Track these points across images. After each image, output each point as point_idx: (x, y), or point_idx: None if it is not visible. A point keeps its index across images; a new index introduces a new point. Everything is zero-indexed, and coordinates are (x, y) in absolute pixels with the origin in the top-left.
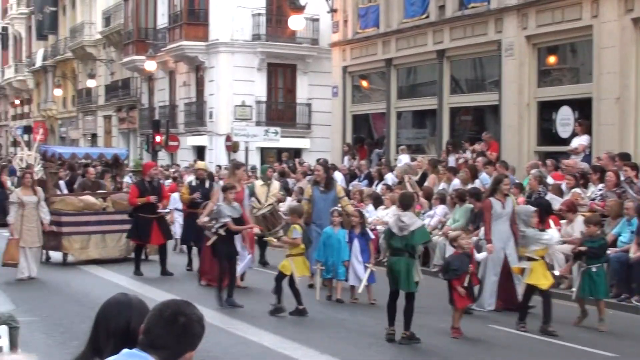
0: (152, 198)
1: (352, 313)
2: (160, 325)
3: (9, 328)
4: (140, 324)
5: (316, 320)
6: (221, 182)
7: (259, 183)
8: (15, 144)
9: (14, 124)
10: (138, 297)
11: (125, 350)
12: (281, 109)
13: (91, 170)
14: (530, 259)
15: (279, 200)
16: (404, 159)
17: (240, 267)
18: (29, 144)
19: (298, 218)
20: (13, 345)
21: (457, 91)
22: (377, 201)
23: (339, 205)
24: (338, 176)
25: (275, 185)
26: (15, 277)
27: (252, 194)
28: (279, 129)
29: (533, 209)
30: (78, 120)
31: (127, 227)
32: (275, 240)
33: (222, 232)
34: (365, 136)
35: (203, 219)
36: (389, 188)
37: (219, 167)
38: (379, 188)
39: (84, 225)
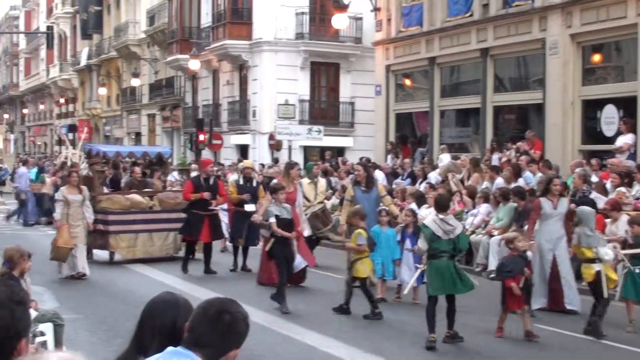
0: (206, 194)
1: (395, 312)
2: (205, 323)
3: (54, 325)
4: (184, 322)
5: (360, 319)
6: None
7: (305, 181)
8: (60, 142)
9: (59, 123)
10: (183, 297)
11: (169, 348)
12: (324, 107)
13: (137, 169)
14: (593, 260)
15: (326, 198)
16: (445, 158)
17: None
18: (73, 143)
19: (360, 221)
20: (58, 343)
21: (501, 90)
22: (421, 200)
23: (381, 204)
24: (379, 175)
25: (322, 183)
26: (58, 275)
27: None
28: (322, 128)
29: (593, 210)
30: (122, 118)
31: (174, 225)
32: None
33: (270, 234)
34: (408, 135)
35: (258, 217)
36: (432, 187)
37: (262, 165)
38: (422, 187)
39: (131, 224)
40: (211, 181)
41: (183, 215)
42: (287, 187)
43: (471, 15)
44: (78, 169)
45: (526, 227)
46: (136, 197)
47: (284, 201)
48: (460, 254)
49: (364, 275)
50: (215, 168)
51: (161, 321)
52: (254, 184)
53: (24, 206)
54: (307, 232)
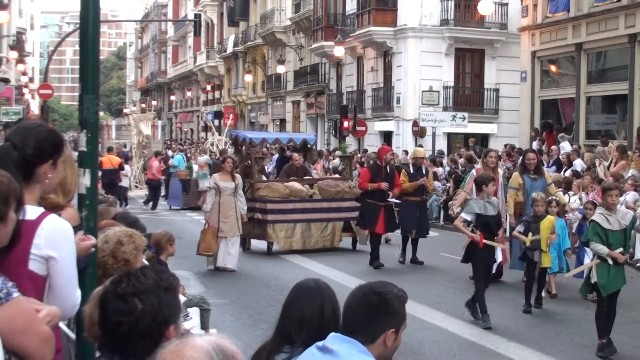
0: (384, 185)
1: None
2: (353, 308)
3: (200, 310)
4: (331, 309)
5: (503, 308)
6: (473, 172)
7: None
8: (206, 128)
9: (205, 109)
10: (325, 283)
11: (332, 335)
12: (468, 94)
13: (296, 155)
14: None
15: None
16: (566, 146)
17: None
18: (219, 129)
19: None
20: (205, 327)
21: None
22: (567, 188)
23: (549, 193)
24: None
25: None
26: (208, 267)
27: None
28: (466, 114)
29: None
30: (267, 105)
31: (334, 215)
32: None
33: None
34: (553, 122)
35: (456, 209)
36: (576, 174)
37: (406, 152)
38: (567, 174)
39: (289, 213)
40: (388, 170)
41: (344, 204)
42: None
43: (619, 0)
44: (231, 155)
45: None
46: (296, 185)
47: (492, 194)
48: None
49: (547, 265)
50: (358, 155)
51: (309, 310)
52: (424, 171)
53: (155, 193)
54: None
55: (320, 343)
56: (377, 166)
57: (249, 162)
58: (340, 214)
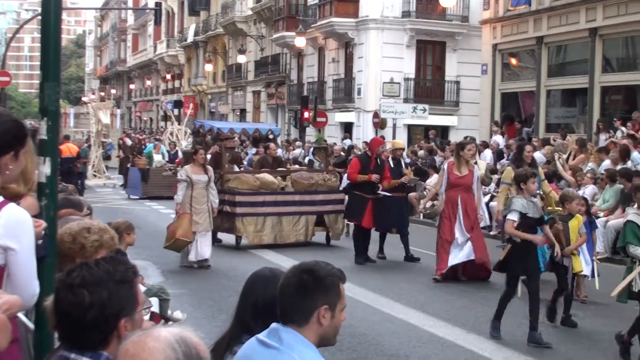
0: (374, 177)
1: (500, 293)
2: (286, 289)
3: (159, 300)
4: None
5: (465, 300)
6: (444, 166)
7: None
8: (165, 118)
9: (165, 99)
10: (283, 271)
11: (273, 326)
12: (429, 86)
13: (273, 145)
14: None
15: (482, 182)
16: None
17: (455, 260)
18: (179, 119)
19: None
20: (164, 317)
21: (609, 70)
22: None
23: (543, 189)
24: (487, 154)
25: (481, 164)
26: (179, 263)
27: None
28: (426, 106)
29: None
30: (227, 95)
31: (307, 208)
32: None
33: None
34: (514, 115)
35: (422, 207)
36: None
37: (366, 143)
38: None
39: (260, 206)
40: (379, 162)
41: (318, 197)
42: (458, 171)
43: None
44: (209, 147)
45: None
46: (267, 176)
47: (533, 192)
48: None
49: (580, 269)
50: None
51: (262, 298)
52: (403, 166)
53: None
54: None
55: (261, 336)
56: (368, 157)
57: (220, 151)
58: (313, 208)
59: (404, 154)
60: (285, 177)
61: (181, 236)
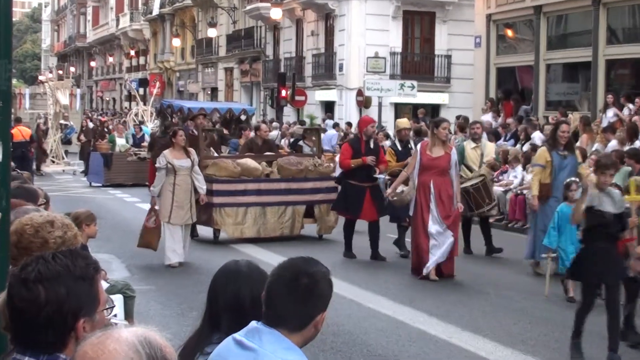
0: (369, 159)
1: (497, 288)
2: (282, 293)
3: (124, 297)
4: (252, 294)
5: (458, 295)
6: (418, 147)
7: (469, 145)
8: (130, 98)
9: (129, 77)
10: (253, 264)
11: (252, 325)
12: (418, 61)
13: (264, 127)
14: None
15: (492, 167)
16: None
17: (437, 255)
18: (144, 99)
19: None
20: (128, 316)
21: (614, 42)
22: (527, 162)
23: (580, 174)
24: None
25: (490, 147)
26: (167, 263)
27: (462, 159)
28: (415, 83)
29: None
30: (197, 72)
31: (295, 198)
32: None
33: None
34: (511, 91)
35: (391, 192)
36: (534, 149)
37: (349, 124)
38: (525, 148)
39: (240, 195)
40: (372, 144)
41: (307, 185)
42: (431, 151)
43: None
44: (193, 126)
45: None
46: (249, 162)
47: (608, 184)
48: None
49: None
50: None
51: (224, 294)
52: (411, 146)
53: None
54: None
55: (238, 336)
56: (358, 140)
57: (194, 133)
58: (301, 197)
59: (410, 133)
60: (271, 163)
61: (143, 245)
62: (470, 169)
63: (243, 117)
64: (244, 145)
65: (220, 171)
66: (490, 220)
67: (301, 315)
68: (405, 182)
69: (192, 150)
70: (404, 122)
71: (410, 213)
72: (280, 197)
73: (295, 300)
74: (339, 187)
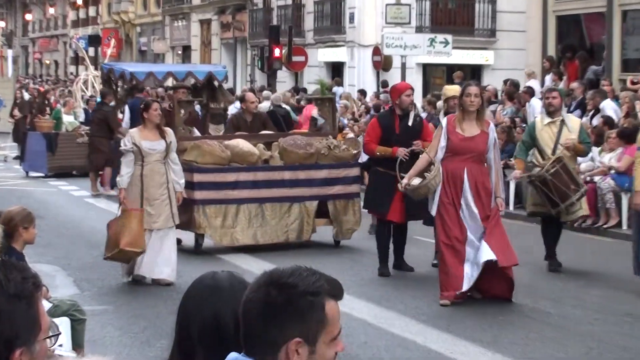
0: (401, 152)
1: (559, 305)
2: (249, 307)
3: (71, 321)
4: (236, 315)
5: (509, 316)
6: (443, 121)
7: (543, 120)
8: (77, 60)
9: (76, 34)
10: (236, 276)
11: (231, 356)
12: (452, 8)
13: (251, 96)
14: None
15: (575, 151)
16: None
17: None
18: (96, 61)
19: None
20: (77, 344)
21: None
22: (599, 140)
23: None
24: (537, 104)
25: (574, 123)
26: (124, 279)
27: (533, 140)
28: (449, 38)
29: None
30: (164, 27)
31: (303, 191)
32: None
33: None
34: (576, 46)
35: (405, 182)
36: (608, 122)
37: (362, 92)
38: (595, 122)
39: (230, 189)
40: (410, 121)
41: (320, 174)
42: (461, 129)
43: None
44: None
45: None
46: (242, 144)
47: None
48: None
49: None
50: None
51: (198, 317)
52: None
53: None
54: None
55: None
56: (391, 115)
57: (171, 107)
58: (312, 190)
59: (418, 105)
60: (271, 145)
61: (127, 245)
62: (544, 155)
63: (216, 84)
64: (229, 122)
65: (204, 156)
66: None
67: (266, 340)
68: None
69: (169, 131)
70: (454, 89)
71: (432, 212)
72: (283, 190)
73: (260, 316)
74: (367, 177)
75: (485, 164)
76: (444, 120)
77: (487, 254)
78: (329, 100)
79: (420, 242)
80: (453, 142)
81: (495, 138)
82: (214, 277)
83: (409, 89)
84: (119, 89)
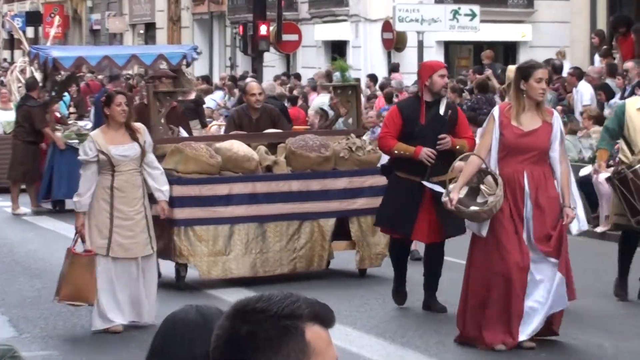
0: (424, 152)
1: (621, 337)
2: (218, 343)
3: None
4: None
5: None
6: (493, 112)
7: (635, 104)
8: (12, 43)
9: (10, 10)
10: (211, 309)
11: None
12: None
13: (255, 86)
14: None
15: None
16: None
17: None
18: (36, 44)
19: None
20: None
21: None
22: None
23: None
24: (586, 89)
25: None
26: (92, 329)
27: (620, 129)
28: (476, 9)
29: None
30: (122, 0)
31: (316, 206)
32: None
33: None
34: (631, 18)
35: (456, 196)
36: None
37: (372, 78)
38: None
39: (221, 205)
40: (442, 109)
41: (338, 183)
42: (518, 121)
43: None
44: (137, 89)
45: None
46: (237, 146)
47: None
48: None
49: None
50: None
51: (190, 358)
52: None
53: None
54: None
55: None
56: (417, 102)
57: (146, 101)
58: (328, 204)
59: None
60: (276, 147)
61: (67, 298)
62: (634, 147)
63: (185, 68)
64: (229, 121)
65: (186, 164)
66: None
67: None
68: (478, 178)
69: (141, 128)
70: (510, 68)
71: (483, 233)
72: (291, 205)
73: (226, 353)
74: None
75: (547, 164)
76: (495, 111)
77: (562, 299)
78: (352, 87)
79: (446, 263)
80: (508, 138)
81: (562, 129)
82: (199, 311)
83: (443, 67)
84: (57, 79)
